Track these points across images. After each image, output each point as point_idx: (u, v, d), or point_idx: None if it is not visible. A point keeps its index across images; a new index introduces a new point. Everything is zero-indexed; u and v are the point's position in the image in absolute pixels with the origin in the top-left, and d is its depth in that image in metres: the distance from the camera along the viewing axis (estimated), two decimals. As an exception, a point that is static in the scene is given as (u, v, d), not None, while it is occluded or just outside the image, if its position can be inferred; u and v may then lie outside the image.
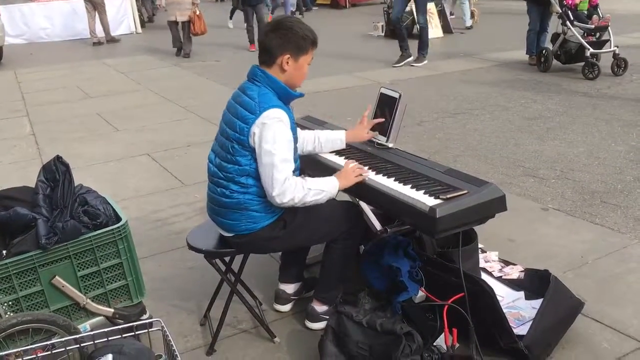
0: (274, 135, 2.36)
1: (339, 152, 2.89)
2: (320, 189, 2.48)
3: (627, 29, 10.76)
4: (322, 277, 2.76)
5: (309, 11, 16.66)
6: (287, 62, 2.45)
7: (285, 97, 2.49)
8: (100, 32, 12.77)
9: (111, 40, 12.81)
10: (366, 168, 2.66)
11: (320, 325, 2.71)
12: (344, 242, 2.64)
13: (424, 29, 8.90)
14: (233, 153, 2.44)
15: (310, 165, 2.91)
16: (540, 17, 8.34)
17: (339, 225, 2.61)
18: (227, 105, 2.57)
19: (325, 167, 2.80)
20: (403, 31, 9.11)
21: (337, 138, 2.89)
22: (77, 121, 6.74)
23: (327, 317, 2.66)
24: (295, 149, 2.52)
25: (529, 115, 6.21)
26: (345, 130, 2.94)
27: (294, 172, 2.45)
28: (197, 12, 10.45)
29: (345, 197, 2.87)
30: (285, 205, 2.43)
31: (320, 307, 2.76)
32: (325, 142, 2.88)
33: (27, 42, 13.48)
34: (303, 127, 3.31)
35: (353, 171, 2.60)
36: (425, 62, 9.04)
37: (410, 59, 9.00)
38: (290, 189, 2.38)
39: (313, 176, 2.63)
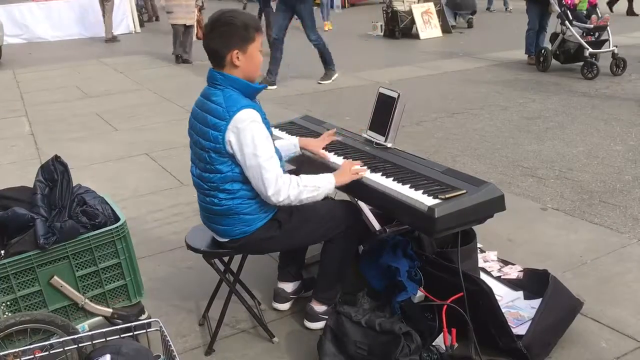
0: (252, 137, 2.32)
1: (336, 152, 2.88)
2: (316, 186, 2.44)
3: (626, 28, 10.77)
4: (320, 276, 2.75)
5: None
6: (237, 57, 2.38)
7: (250, 93, 2.44)
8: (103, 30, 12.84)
9: (110, 40, 12.79)
10: (365, 167, 2.65)
11: (319, 325, 2.70)
12: (341, 242, 2.63)
13: (318, 46, 7.76)
14: (212, 162, 2.40)
15: (307, 164, 2.91)
16: (540, 16, 8.35)
17: (336, 225, 2.60)
18: (192, 113, 2.51)
19: (323, 166, 2.80)
20: (279, 52, 7.74)
21: (290, 143, 2.88)
22: (75, 121, 6.73)
23: (326, 317, 2.65)
24: (273, 142, 2.47)
25: (527, 115, 6.22)
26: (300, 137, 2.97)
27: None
28: (202, 15, 10.09)
29: (344, 197, 2.87)
30: (282, 203, 2.40)
31: (319, 307, 2.75)
32: (279, 149, 2.78)
33: (26, 42, 13.46)
34: (301, 127, 3.31)
35: (350, 169, 2.58)
36: (335, 75, 8.00)
37: (274, 87, 7.64)
38: (285, 187, 2.35)
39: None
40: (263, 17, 9.92)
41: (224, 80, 2.40)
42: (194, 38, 10.16)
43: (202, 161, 2.44)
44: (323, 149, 2.90)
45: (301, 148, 2.90)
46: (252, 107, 2.37)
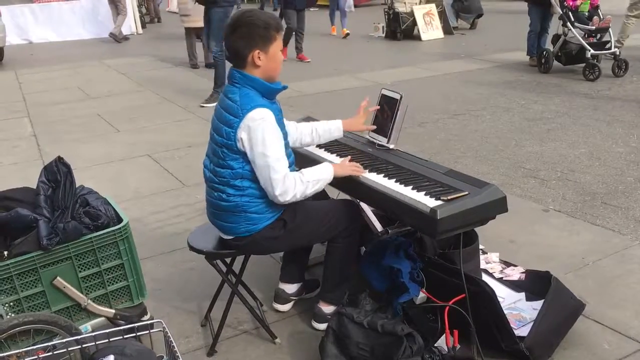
0: (263, 137, 2.33)
1: (339, 153, 2.88)
2: (318, 179, 2.48)
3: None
4: (325, 277, 2.76)
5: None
6: (259, 57, 2.40)
7: (269, 93, 2.45)
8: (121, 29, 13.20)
9: (113, 37, 12.92)
10: (367, 170, 2.65)
11: (328, 325, 2.70)
12: (344, 240, 2.65)
13: (217, 59, 7.02)
14: (224, 158, 2.43)
15: (305, 164, 2.90)
16: (541, 18, 8.35)
17: (338, 223, 2.61)
18: (214, 111, 2.55)
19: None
20: (221, 65, 6.95)
21: (335, 127, 2.85)
22: (77, 122, 6.74)
23: (334, 317, 2.65)
24: (287, 143, 2.50)
25: (529, 116, 6.22)
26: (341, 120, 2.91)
27: (289, 166, 2.44)
28: None
29: (345, 196, 2.87)
30: (288, 202, 2.42)
31: (326, 308, 2.76)
32: (323, 132, 2.85)
33: (28, 43, 13.48)
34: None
35: (350, 164, 2.62)
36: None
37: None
38: (291, 186, 2.38)
39: None
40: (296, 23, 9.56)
41: (242, 79, 2.42)
42: None
43: (216, 156, 2.47)
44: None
45: (345, 131, 2.87)
46: (266, 107, 2.38)
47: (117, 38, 12.94)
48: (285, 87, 2.54)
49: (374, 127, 2.90)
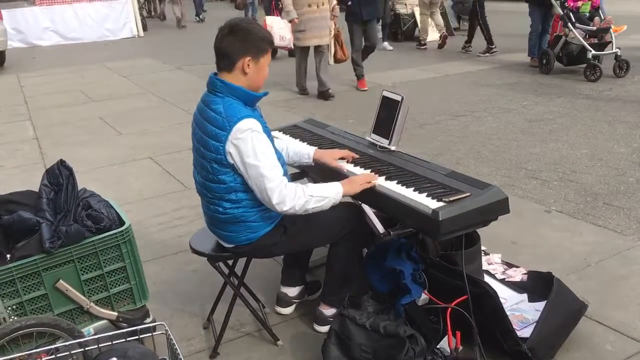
0: (253, 147, 2.29)
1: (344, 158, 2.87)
2: (323, 196, 2.41)
3: (628, 30, 10.72)
4: (327, 280, 2.76)
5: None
6: (249, 65, 2.38)
7: (251, 101, 2.43)
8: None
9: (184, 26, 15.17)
10: (369, 170, 2.65)
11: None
12: (347, 244, 2.64)
13: None
14: (214, 173, 2.39)
15: (312, 169, 2.90)
16: (542, 19, 8.36)
17: (341, 227, 2.61)
18: (194, 119, 2.50)
19: (329, 171, 2.77)
20: None
21: (305, 152, 2.80)
22: (79, 125, 6.75)
23: (335, 319, 2.64)
24: (276, 149, 2.45)
25: (531, 117, 6.21)
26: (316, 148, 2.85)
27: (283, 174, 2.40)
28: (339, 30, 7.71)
29: (347, 199, 2.87)
30: (287, 213, 2.37)
31: (328, 310, 2.75)
32: (293, 154, 2.80)
33: (30, 46, 13.51)
34: (304, 130, 3.32)
35: (361, 179, 2.54)
36: None
37: None
38: (290, 195, 2.33)
39: (318, 181, 2.60)
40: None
41: (224, 88, 2.38)
42: (331, 61, 7.75)
43: (204, 169, 2.44)
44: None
45: (314, 160, 2.80)
46: (252, 117, 2.35)
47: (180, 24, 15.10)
48: (266, 94, 2.51)
49: (344, 162, 2.77)
